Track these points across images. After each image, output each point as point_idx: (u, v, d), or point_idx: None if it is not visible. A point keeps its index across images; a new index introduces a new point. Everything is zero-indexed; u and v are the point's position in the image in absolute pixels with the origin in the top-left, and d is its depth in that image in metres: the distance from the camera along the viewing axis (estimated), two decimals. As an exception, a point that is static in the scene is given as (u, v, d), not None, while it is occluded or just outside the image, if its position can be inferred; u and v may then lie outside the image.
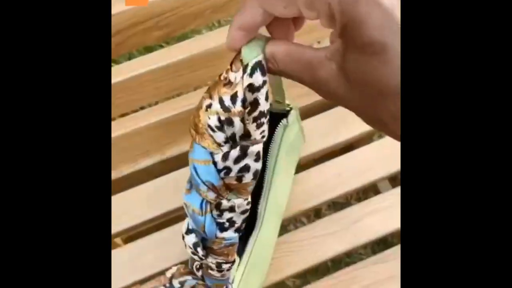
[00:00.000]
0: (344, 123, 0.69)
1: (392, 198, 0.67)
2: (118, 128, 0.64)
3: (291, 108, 0.58)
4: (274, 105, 0.57)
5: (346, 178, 0.68)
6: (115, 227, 0.66)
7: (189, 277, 0.40)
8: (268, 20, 0.29)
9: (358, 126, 0.70)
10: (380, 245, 0.80)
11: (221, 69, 0.62)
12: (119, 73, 0.59)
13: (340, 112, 0.70)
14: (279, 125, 0.57)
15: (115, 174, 0.69)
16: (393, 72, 0.25)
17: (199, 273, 0.40)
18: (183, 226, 0.37)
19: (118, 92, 0.61)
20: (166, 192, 0.66)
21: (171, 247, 0.64)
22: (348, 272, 0.62)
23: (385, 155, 0.69)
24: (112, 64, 0.61)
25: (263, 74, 0.29)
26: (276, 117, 0.58)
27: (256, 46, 0.30)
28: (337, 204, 0.86)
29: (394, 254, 0.63)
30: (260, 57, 0.29)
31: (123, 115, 0.66)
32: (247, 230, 0.58)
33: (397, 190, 0.68)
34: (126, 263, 0.63)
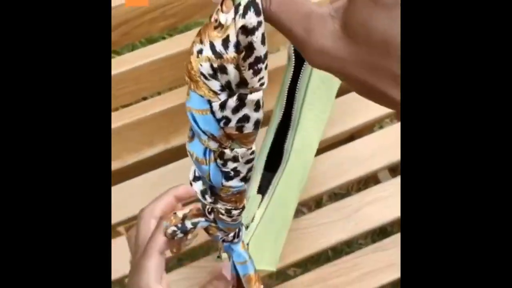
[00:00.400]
0: (345, 114, 0.70)
1: (392, 188, 0.68)
2: (123, 118, 0.65)
3: None
4: None
5: (347, 167, 0.69)
6: (119, 216, 0.67)
7: (202, 219, 0.39)
8: None
9: (359, 117, 0.71)
10: (379, 235, 0.81)
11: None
12: (124, 63, 0.60)
13: (341, 103, 0.71)
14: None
15: (119, 164, 0.69)
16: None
17: (211, 216, 0.39)
18: (189, 173, 0.35)
19: (122, 82, 0.62)
20: (170, 181, 0.67)
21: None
22: (348, 260, 0.63)
23: (385, 146, 0.70)
24: (115, 55, 0.62)
25: (258, 14, 0.26)
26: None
27: None
28: (338, 195, 0.87)
29: (393, 243, 0.64)
30: None
31: (127, 105, 0.67)
32: (272, 167, 0.60)
33: (397, 180, 0.69)
34: (128, 251, 0.64)
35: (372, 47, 0.24)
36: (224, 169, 0.33)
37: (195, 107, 0.29)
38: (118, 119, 0.64)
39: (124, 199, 0.67)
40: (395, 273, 0.62)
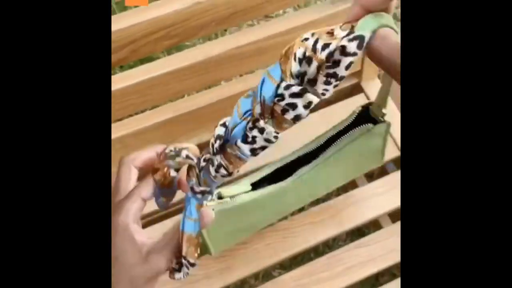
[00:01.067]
0: (327, 124, 0.77)
1: (369, 192, 0.75)
2: (124, 128, 0.70)
3: (383, 120, 0.63)
4: (373, 108, 0.63)
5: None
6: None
7: (194, 158, 0.42)
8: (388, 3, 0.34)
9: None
10: (358, 236, 0.87)
11: (216, 76, 0.69)
12: (127, 79, 0.65)
13: (322, 115, 0.78)
14: (362, 126, 0.62)
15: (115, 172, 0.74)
16: None
17: (202, 164, 0.41)
18: (222, 119, 0.40)
19: (125, 96, 0.67)
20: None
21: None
22: (332, 256, 0.70)
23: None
24: (119, 71, 0.67)
25: (359, 47, 0.33)
26: (366, 118, 0.63)
27: (374, 24, 0.34)
28: (319, 199, 0.93)
29: (373, 240, 0.71)
30: (366, 33, 0.33)
31: (128, 117, 0.72)
32: (274, 178, 0.62)
33: (373, 184, 0.76)
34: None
35: None
36: (247, 132, 0.37)
37: (272, 74, 0.36)
38: (122, 129, 0.69)
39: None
40: (376, 267, 0.68)
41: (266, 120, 0.37)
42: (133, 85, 0.65)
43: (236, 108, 0.38)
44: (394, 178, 0.75)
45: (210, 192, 0.42)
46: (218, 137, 0.39)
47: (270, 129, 0.37)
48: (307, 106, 0.35)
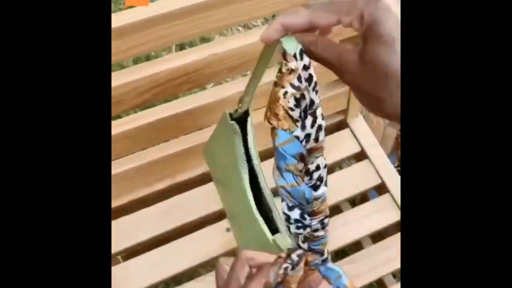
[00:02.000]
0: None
1: (352, 216, 0.86)
2: (144, 157, 0.80)
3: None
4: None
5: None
6: (131, 241, 0.80)
7: (300, 250, 0.42)
8: (306, 27, 0.38)
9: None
10: (339, 255, 0.97)
11: (219, 113, 0.79)
12: (146, 116, 0.75)
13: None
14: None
15: (132, 196, 0.83)
16: (397, 59, 0.35)
17: (305, 245, 0.43)
18: (282, 208, 0.41)
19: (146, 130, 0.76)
20: (175, 211, 0.82)
21: (178, 256, 0.80)
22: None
23: (345, 182, 0.88)
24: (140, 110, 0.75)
25: (307, 56, 0.37)
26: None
27: (292, 40, 0.38)
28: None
29: (361, 257, 0.81)
30: (300, 46, 0.38)
31: (144, 148, 0.81)
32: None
33: (355, 209, 0.86)
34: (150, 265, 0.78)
35: (377, 70, 0.36)
36: (312, 183, 0.40)
37: (283, 140, 0.38)
38: (139, 159, 0.79)
39: (138, 226, 0.80)
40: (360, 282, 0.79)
41: (311, 161, 0.39)
42: (152, 122, 0.74)
43: (284, 190, 0.39)
44: (376, 204, 0.86)
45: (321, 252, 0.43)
46: (301, 215, 0.41)
47: (319, 159, 0.39)
48: (322, 117, 0.39)
